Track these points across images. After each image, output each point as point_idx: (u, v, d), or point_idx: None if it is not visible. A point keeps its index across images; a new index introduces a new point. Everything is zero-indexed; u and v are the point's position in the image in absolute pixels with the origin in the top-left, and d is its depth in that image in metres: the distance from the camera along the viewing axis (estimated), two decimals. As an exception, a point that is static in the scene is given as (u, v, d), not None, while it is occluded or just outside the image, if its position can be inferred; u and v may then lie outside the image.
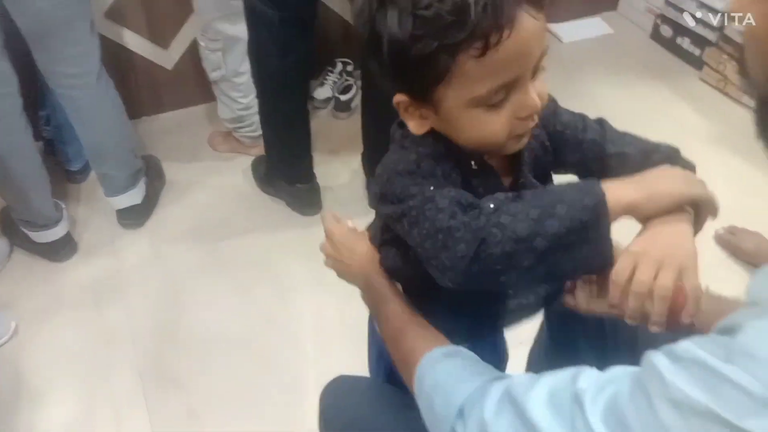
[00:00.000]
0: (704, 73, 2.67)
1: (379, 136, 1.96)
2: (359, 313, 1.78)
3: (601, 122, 0.87)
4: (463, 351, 0.80)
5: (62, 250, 1.97)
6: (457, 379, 0.73)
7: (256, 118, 2.08)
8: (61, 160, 2.19)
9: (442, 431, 0.72)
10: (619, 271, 0.67)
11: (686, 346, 0.52)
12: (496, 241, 0.65)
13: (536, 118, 0.73)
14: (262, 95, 1.93)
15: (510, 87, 0.68)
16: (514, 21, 0.63)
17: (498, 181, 0.81)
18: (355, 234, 1.00)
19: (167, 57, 2.38)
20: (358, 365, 1.66)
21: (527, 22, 0.64)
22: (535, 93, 0.70)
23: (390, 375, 1.04)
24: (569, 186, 0.69)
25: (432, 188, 0.72)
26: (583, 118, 0.87)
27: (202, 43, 2.07)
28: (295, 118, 1.96)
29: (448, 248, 0.67)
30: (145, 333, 1.78)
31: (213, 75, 2.12)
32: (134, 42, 2.30)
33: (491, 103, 0.68)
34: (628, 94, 2.59)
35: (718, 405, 0.47)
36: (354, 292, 1.90)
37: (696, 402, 0.48)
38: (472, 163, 0.78)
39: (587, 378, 0.59)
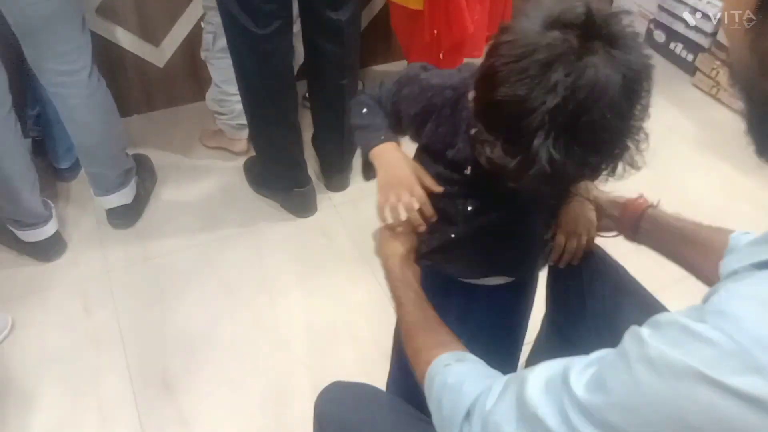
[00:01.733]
0: (697, 78, 2.69)
1: (326, 120, 2.05)
2: (350, 317, 1.80)
3: None
4: (471, 356, 0.84)
5: (51, 249, 1.94)
6: (466, 382, 0.77)
7: (237, 107, 2.10)
8: (51, 158, 2.16)
9: None
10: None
11: (668, 314, 0.55)
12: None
13: None
14: (248, 104, 1.92)
15: None
16: None
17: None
18: (389, 235, 1.05)
19: (159, 55, 2.36)
20: (349, 369, 1.66)
21: None
22: None
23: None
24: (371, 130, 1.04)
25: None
26: None
27: (202, 23, 2.11)
28: (284, 126, 1.95)
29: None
30: (134, 335, 1.76)
31: (202, 53, 2.14)
32: (126, 39, 2.28)
33: None
34: (620, 99, 2.59)
35: (688, 357, 0.50)
36: (345, 296, 1.91)
37: (669, 358, 0.51)
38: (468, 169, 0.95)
39: (577, 359, 0.63)
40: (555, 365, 0.65)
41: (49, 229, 1.91)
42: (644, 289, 1.10)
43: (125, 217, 2.04)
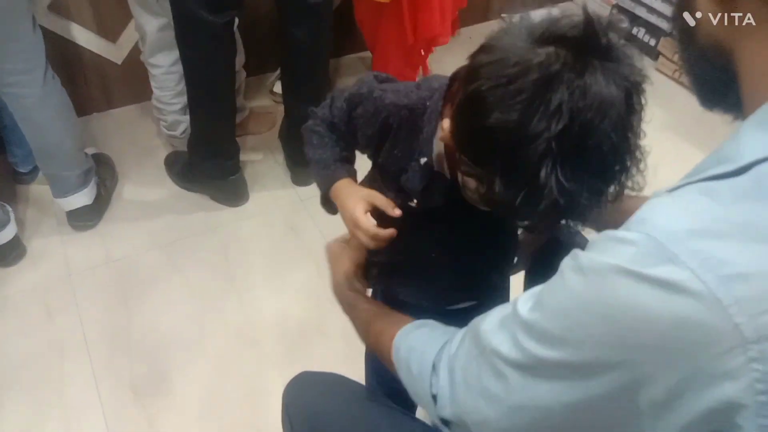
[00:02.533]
0: (659, 63, 2.71)
1: (297, 112, 2.04)
2: (320, 313, 1.77)
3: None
4: (431, 321, 0.84)
5: (10, 254, 1.89)
6: (428, 340, 0.79)
7: (171, 117, 2.13)
8: (11, 161, 2.10)
9: (423, 390, 0.76)
10: None
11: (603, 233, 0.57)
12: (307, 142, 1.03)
13: None
14: (193, 93, 1.92)
15: None
16: None
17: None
18: (342, 250, 1.05)
19: (116, 51, 2.30)
20: (320, 365, 1.63)
21: None
22: None
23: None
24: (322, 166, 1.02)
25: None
26: None
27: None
28: (227, 116, 1.98)
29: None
30: (98, 340, 1.72)
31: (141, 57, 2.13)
32: (81, 36, 2.22)
33: None
34: (585, 85, 2.60)
35: (611, 258, 0.53)
36: (315, 291, 1.89)
37: (596, 261, 0.54)
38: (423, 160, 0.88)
39: (527, 292, 0.64)
40: (508, 305, 0.66)
41: (7, 234, 1.85)
42: None
43: (86, 218, 1.99)
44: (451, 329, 0.80)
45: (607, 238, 0.55)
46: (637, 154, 0.69)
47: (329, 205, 1.03)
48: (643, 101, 0.68)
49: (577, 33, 0.65)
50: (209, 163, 2.03)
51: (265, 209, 2.09)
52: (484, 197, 0.72)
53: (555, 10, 0.71)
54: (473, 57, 0.70)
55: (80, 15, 2.18)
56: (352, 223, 0.94)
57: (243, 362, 1.67)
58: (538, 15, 0.71)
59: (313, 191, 2.13)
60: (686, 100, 2.54)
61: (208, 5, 1.70)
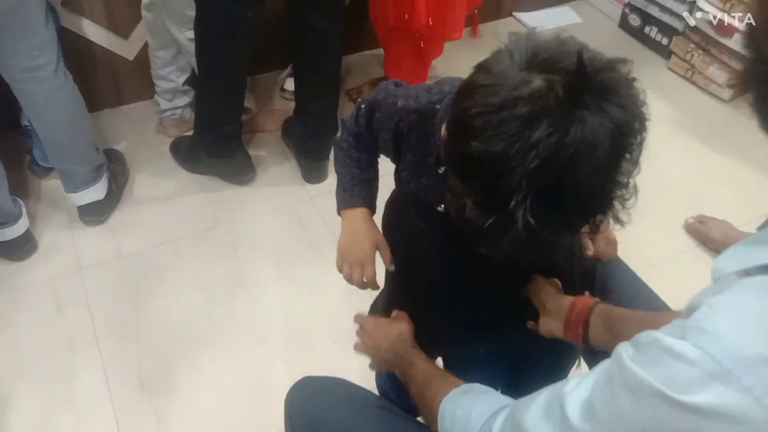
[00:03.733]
0: (672, 62, 2.69)
1: (310, 105, 2.07)
2: (328, 309, 1.78)
3: None
4: (476, 386, 0.84)
5: (22, 248, 1.90)
6: (473, 411, 0.78)
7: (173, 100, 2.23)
8: (35, 155, 2.10)
9: None
10: None
11: (649, 333, 0.53)
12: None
13: None
14: (206, 70, 1.95)
15: None
16: None
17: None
18: (389, 320, 1.08)
19: (128, 47, 2.31)
20: (327, 362, 1.65)
21: None
22: None
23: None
24: (348, 191, 1.08)
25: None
26: None
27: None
28: (239, 92, 2.04)
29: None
30: (108, 333, 1.73)
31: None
32: (94, 32, 2.23)
33: None
34: (596, 84, 2.59)
35: (666, 383, 0.48)
36: (323, 288, 1.89)
37: (647, 384, 0.50)
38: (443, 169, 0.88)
39: (573, 383, 0.62)
40: (553, 392, 0.64)
41: (19, 228, 1.86)
42: (644, 283, 1.10)
43: (97, 213, 2.00)
44: (497, 400, 0.79)
45: (661, 349, 0.50)
46: (620, 192, 0.67)
47: None
48: (638, 140, 0.66)
49: (576, 69, 0.63)
50: (215, 144, 2.06)
51: (275, 205, 2.10)
52: (459, 211, 0.70)
53: (564, 33, 0.70)
54: (472, 75, 0.70)
55: (93, 11, 2.19)
56: (358, 260, 1.05)
57: (251, 357, 1.68)
58: (545, 35, 0.69)
59: (322, 188, 2.15)
60: (698, 100, 2.54)
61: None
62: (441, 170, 0.88)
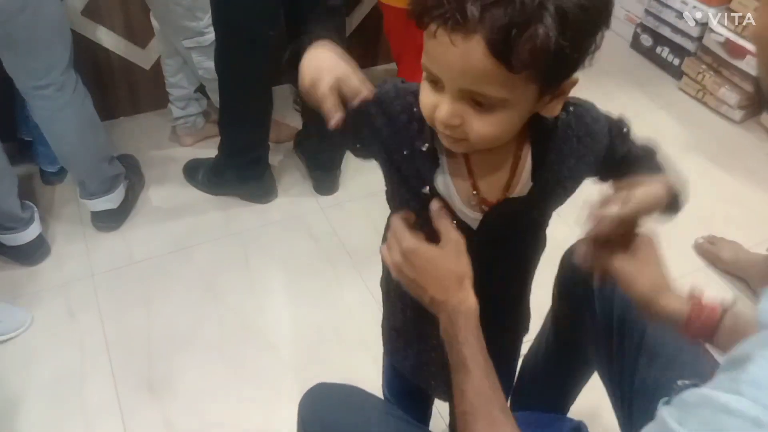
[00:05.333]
0: (683, 82, 2.70)
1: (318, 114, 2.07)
2: (337, 320, 1.78)
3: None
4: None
5: (34, 253, 1.91)
6: None
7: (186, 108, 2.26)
8: (39, 161, 2.13)
9: None
10: None
11: (696, 390, 0.50)
12: None
13: (446, 132, 0.73)
14: (233, 95, 1.94)
15: (436, 82, 0.72)
16: (457, 32, 0.64)
17: (429, 168, 0.83)
18: (444, 253, 0.81)
19: (145, 57, 2.34)
20: (336, 372, 1.65)
21: (465, 44, 0.64)
22: (448, 110, 0.71)
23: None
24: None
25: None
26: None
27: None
28: (264, 107, 2.02)
29: None
30: (118, 338, 1.74)
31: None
32: (111, 41, 2.26)
33: (428, 78, 0.74)
34: (607, 103, 2.56)
35: None
36: (333, 299, 1.90)
37: None
38: (426, 146, 0.82)
39: None
40: None
41: (31, 233, 1.87)
42: None
43: (110, 220, 2.01)
44: None
45: (714, 409, 0.47)
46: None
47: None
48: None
49: None
50: (245, 167, 2.07)
51: (286, 216, 2.11)
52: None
53: None
54: None
55: (111, 20, 2.22)
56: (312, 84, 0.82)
57: (260, 366, 1.68)
58: None
59: (333, 200, 2.17)
60: (710, 120, 2.55)
61: (259, 16, 1.75)
62: (425, 148, 0.84)
